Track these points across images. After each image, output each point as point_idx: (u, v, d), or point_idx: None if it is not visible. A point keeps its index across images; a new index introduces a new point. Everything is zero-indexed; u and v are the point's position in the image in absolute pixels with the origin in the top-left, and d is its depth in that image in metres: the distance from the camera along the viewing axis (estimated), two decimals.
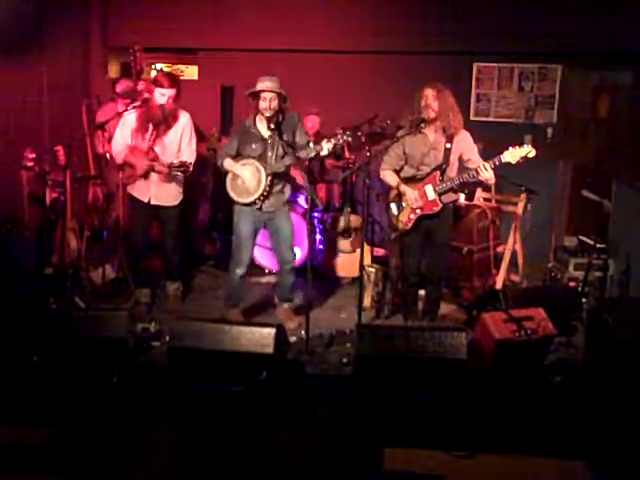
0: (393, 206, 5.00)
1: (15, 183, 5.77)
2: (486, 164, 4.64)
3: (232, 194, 4.94)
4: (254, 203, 4.88)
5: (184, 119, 5.17)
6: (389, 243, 5.55)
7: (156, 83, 5.05)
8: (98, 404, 3.95)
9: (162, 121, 5.06)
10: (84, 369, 4.13)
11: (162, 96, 5.01)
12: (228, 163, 4.92)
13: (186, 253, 5.91)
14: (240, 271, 5.05)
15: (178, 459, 3.60)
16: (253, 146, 4.86)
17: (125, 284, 5.56)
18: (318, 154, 4.71)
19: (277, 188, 4.93)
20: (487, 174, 4.64)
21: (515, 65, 7.08)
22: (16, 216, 5.84)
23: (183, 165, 4.98)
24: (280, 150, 4.83)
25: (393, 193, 5.02)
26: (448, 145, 4.82)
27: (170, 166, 5.02)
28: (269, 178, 4.82)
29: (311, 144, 4.73)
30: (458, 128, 4.84)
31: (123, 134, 5.17)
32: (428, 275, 5.15)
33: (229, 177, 4.95)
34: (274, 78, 4.73)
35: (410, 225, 4.92)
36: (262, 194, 4.83)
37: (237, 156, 4.93)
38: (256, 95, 4.75)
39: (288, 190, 5.05)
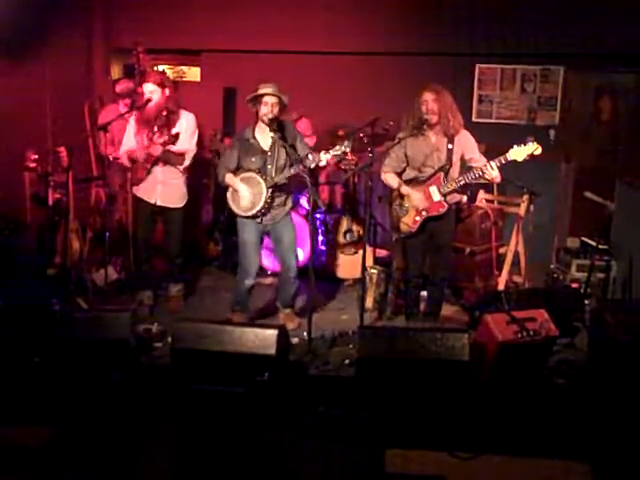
0: (396, 208, 4.99)
1: (18, 184, 5.79)
2: (492, 163, 4.62)
3: (234, 207, 4.93)
4: (256, 216, 4.88)
5: (188, 116, 5.19)
6: (391, 244, 5.54)
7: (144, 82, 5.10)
8: (100, 405, 3.94)
9: (162, 119, 5.07)
10: (86, 370, 4.13)
11: (150, 93, 5.03)
12: (229, 178, 4.90)
13: (189, 255, 5.91)
14: (249, 282, 5.04)
15: (180, 460, 3.60)
16: (253, 159, 4.84)
17: (127, 285, 5.57)
18: (317, 165, 4.68)
19: (279, 200, 4.91)
20: (493, 173, 4.62)
21: (517, 67, 7.08)
22: (19, 217, 5.86)
23: (172, 136, 4.99)
24: (281, 161, 4.81)
25: (395, 195, 5.01)
26: (450, 146, 4.80)
27: (163, 143, 5.02)
28: (269, 191, 4.80)
29: (310, 156, 4.66)
30: (459, 129, 4.83)
31: (129, 138, 5.20)
32: (430, 276, 5.14)
33: (230, 190, 4.94)
34: (275, 85, 4.73)
35: (415, 228, 4.91)
36: (263, 207, 4.82)
37: (238, 168, 4.91)
38: (257, 101, 4.74)
39: (290, 201, 5.03)
